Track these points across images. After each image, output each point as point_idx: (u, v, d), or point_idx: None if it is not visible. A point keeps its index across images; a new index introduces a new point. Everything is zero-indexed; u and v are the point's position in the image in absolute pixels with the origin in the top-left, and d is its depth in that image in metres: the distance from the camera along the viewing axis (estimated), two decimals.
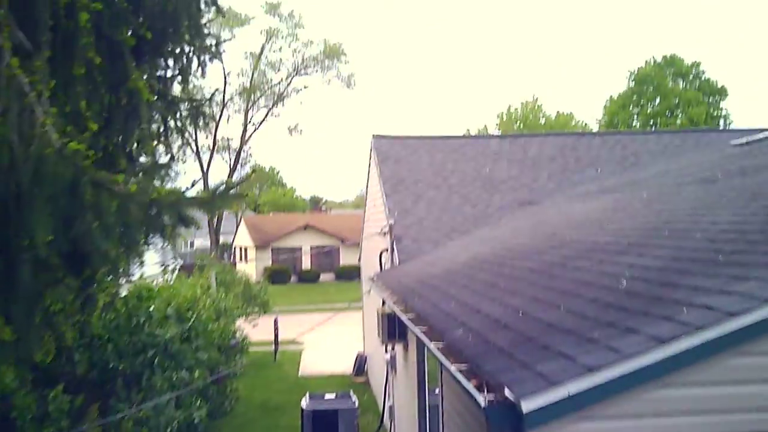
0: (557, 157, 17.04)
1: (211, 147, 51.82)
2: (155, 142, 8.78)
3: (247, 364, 13.61)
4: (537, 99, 64.15)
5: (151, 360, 8.91)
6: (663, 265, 5.35)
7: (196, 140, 50.58)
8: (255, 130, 52.91)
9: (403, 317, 7.08)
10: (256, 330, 25.65)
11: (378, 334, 11.77)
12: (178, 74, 8.83)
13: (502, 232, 11.94)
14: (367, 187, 19.89)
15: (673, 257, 5.47)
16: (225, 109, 51.38)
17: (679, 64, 59.13)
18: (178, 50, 7.93)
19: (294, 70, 52.51)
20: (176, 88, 9.11)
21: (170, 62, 8.04)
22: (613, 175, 15.55)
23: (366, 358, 22.37)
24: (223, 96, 50.80)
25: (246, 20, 50.50)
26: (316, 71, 53.08)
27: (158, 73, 8.70)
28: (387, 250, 14.20)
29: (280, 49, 52.00)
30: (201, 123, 8.78)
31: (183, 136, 8.77)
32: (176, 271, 22.33)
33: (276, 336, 25.55)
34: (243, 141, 52.30)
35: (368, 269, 18.40)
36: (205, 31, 9.01)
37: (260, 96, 52.19)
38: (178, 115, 8.58)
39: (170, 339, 9.01)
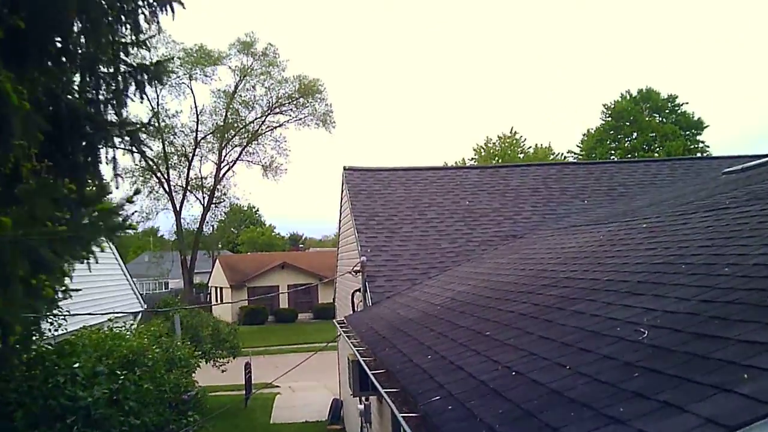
0: (540, 188, 16.05)
1: (185, 186, 50.52)
2: (95, 175, 7.68)
3: (205, 419, 12.28)
4: (515, 132, 63.31)
5: (69, 428, 7.49)
6: (691, 309, 4.25)
7: (168, 179, 49.42)
8: (228, 169, 51.69)
9: (371, 374, 5.91)
10: (229, 374, 24.27)
11: (349, 384, 10.57)
12: (112, 98, 7.77)
13: (485, 269, 10.81)
14: (339, 222, 18.77)
15: (701, 299, 4.37)
16: (198, 148, 50.25)
17: (655, 97, 59.05)
18: (101, 67, 6.86)
19: (268, 109, 51.51)
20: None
21: (90, 78, 6.93)
22: (601, 206, 14.58)
23: (342, 403, 21.03)
24: (196, 134, 49.72)
25: (219, 59, 49.62)
26: (291, 110, 52.15)
27: (89, 95, 7.64)
28: (360, 290, 13.03)
29: (254, 87, 51.06)
30: (137, 151, 7.64)
31: (116, 167, 7.60)
32: (138, 317, 20.91)
33: (247, 381, 24.15)
34: (217, 179, 51.03)
35: (343, 310, 17.20)
36: (143, 48, 8.00)
37: (234, 135, 51.07)
38: (110, 144, 7.46)
39: (94, 402, 7.59)
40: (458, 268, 12.26)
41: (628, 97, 59.63)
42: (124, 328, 11.86)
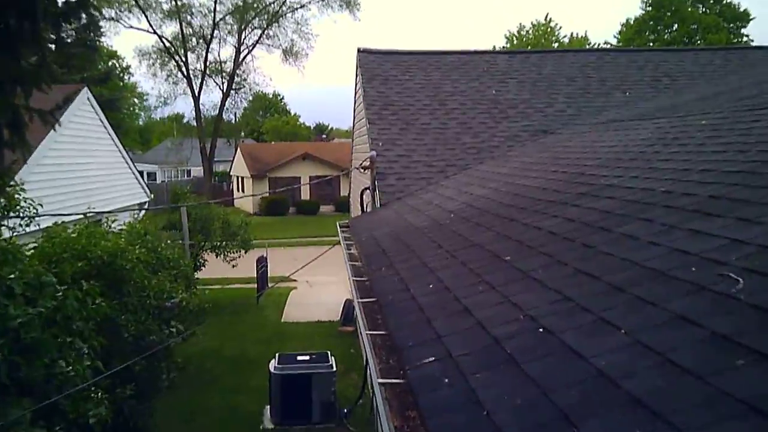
0: (577, 77, 14.35)
1: (203, 70, 48.81)
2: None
3: (201, 324, 11.34)
4: (550, 19, 60.11)
5: None
6: None
7: (186, 62, 47.76)
8: (248, 53, 49.76)
9: (357, 303, 4.68)
10: (240, 268, 23.41)
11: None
12: None
13: (510, 170, 9.40)
14: (354, 111, 17.27)
15: None
16: (217, 29, 48.12)
17: None
18: None
19: None
20: None
21: None
22: (644, 99, 12.96)
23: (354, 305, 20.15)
24: (214, 15, 47.54)
25: None
26: None
27: None
28: (369, 189, 11.73)
29: None
30: (86, 19, 6.26)
31: (59, 37, 6.25)
32: (143, 210, 19.81)
33: (260, 276, 23.25)
34: (236, 64, 49.17)
35: (356, 208, 16.00)
36: None
37: (254, 15, 48.73)
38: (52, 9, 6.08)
39: (27, 323, 6.34)
40: (480, 166, 10.87)
41: None
42: (105, 225, 10.76)
